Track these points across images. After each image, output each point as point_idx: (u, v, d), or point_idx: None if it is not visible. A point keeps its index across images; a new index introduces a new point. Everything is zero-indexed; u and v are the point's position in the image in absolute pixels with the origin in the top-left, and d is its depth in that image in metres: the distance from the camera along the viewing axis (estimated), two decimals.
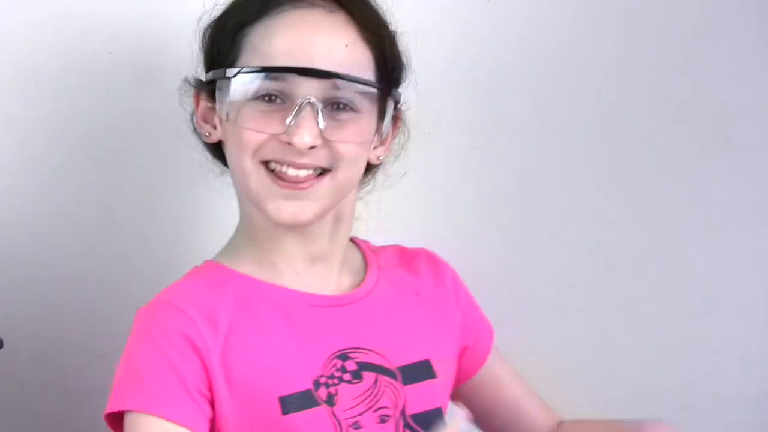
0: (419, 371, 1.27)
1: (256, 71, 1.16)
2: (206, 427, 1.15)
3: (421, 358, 1.28)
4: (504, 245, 1.73)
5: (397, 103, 1.26)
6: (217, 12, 1.26)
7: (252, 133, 1.17)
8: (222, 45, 1.23)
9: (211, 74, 1.23)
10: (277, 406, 1.16)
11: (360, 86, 1.18)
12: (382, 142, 1.28)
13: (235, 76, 1.17)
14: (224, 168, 1.30)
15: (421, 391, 1.26)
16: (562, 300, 1.73)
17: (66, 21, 1.48)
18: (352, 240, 1.37)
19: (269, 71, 1.16)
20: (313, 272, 1.26)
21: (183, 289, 1.22)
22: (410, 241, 1.42)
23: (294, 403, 1.17)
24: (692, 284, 1.78)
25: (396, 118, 1.29)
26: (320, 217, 1.22)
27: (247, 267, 1.25)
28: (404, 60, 1.28)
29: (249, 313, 1.21)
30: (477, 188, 1.72)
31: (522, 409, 1.42)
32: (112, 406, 1.15)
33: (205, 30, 1.26)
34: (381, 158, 1.29)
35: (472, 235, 1.69)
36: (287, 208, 1.19)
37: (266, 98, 1.18)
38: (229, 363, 1.17)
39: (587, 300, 1.74)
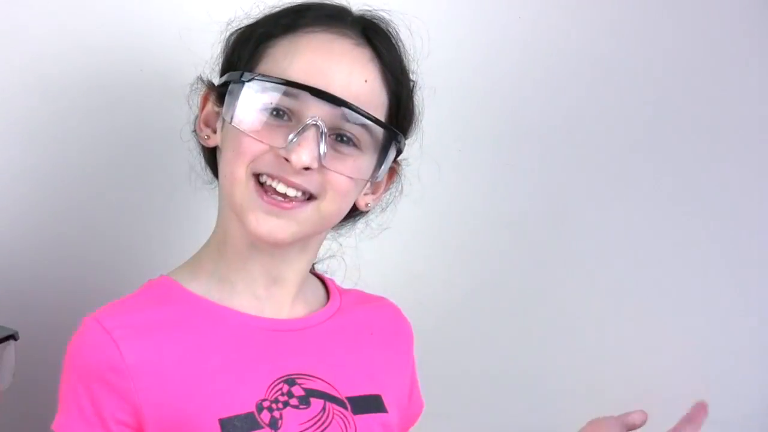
0: (369, 404, 1.23)
1: (271, 81, 1.15)
2: None
3: (372, 392, 1.25)
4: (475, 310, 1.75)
5: (399, 152, 1.25)
6: (247, 22, 1.25)
7: (251, 141, 1.15)
8: (243, 51, 1.22)
9: (226, 76, 1.21)
10: (217, 428, 1.12)
11: (367, 122, 1.17)
12: (374, 190, 1.27)
13: (249, 80, 1.16)
14: (213, 177, 1.29)
15: (373, 422, 1.22)
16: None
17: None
18: (319, 276, 1.35)
19: (284, 84, 1.15)
20: (269, 296, 1.23)
21: (124, 305, 1.19)
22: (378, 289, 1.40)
23: (235, 425, 1.13)
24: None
25: (393, 170, 1.27)
26: (296, 240, 1.19)
27: (201, 286, 1.22)
28: (416, 112, 1.27)
29: (189, 334, 1.17)
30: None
31: None
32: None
33: (230, 36, 1.25)
34: (369, 206, 1.27)
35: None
36: (267, 223, 1.16)
37: (274, 112, 1.16)
38: (161, 380, 1.13)
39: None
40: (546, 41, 1.75)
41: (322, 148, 1.14)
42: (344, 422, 1.19)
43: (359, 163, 1.19)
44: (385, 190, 1.29)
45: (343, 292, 1.34)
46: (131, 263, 1.50)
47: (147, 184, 1.53)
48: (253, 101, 1.16)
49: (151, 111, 1.49)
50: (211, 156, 1.27)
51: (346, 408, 1.20)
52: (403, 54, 1.25)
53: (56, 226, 1.49)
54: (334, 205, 1.19)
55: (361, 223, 1.34)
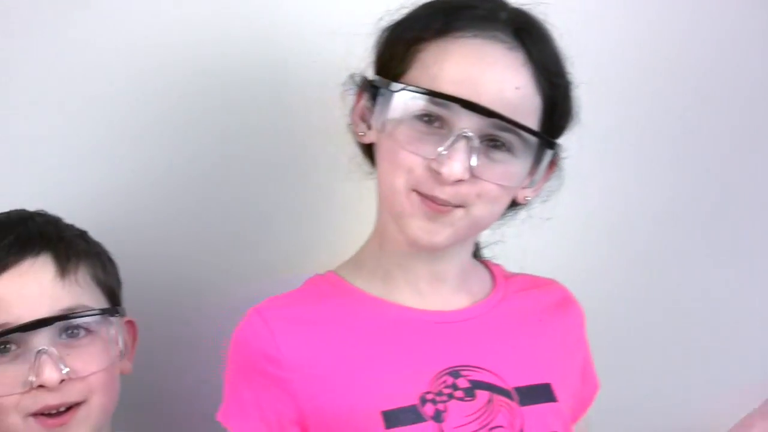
0: (538, 393, 1.21)
1: (420, 92, 1.14)
2: None
3: (541, 381, 1.22)
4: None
5: (555, 152, 1.21)
6: (399, 16, 1.23)
7: (406, 154, 1.14)
8: (394, 53, 1.20)
9: (377, 80, 1.20)
10: (379, 421, 1.12)
11: (516, 130, 1.14)
12: (534, 186, 1.23)
13: (398, 91, 1.16)
14: (371, 169, 1.28)
15: (540, 412, 1.20)
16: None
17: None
18: (484, 263, 1.34)
19: (433, 95, 1.13)
20: (432, 291, 1.23)
21: (287, 299, 1.23)
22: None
23: (398, 417, 1.13)
24: None
25: (552, 164, 1.23)
26: (452, 243, 1.18)
27: (364, 281, 1.23)
28: (573, 110, 1.23)
29: (352, 326, 1.19)
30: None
31: None
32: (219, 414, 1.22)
33: (383, 32, 1.24)
34: (527, 199, 1.24)
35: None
36: (425, 227, 1.16)
37: (425, 118, 1.15)
38: (320, 372, 1.15)
39: None
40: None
41: (473, 160, 1.12)
42: (510, 414, 1.17)
43: (511, 169, 1.16)
44: (544, 182, 1.25)
45: (509, 277, 1.32)
46: (292, 260, 1.55)
47: (305, 179, 1.57)
48: (403, 111, 1.15)
49: (305, 107, 1.51)
50: (368, 150, 1.27)
51: (512, 399, 1.18)
52: (558, 53, 1.20)
53: (225, 221, 1.56)
54: (484, 210, 1.17)
55: (523, 213, 1.30)
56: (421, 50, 1.16)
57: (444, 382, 1.16)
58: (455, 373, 1.17)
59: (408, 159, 1.14)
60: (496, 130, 1.13)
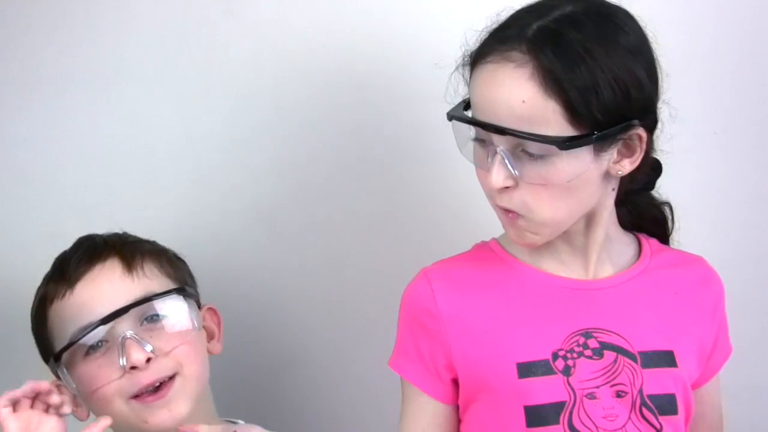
0: (660, 359, 1.36)
1: (455, 119, 1.33)
2: (451, 394, 1.39)
3: (665, 348, 1.37)
4: None
5: (624, 130, 1.30)
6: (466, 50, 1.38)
7: (478, 171, 1.35)
8: (463, 80, 1.38)
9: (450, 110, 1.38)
10: (514, 370, 1.32)
11: (532, 139, 1.27)
12: (619, 159, 1.33)
13: (451, 119, 1.35)
14: None
15: (660, 376, 1.35)
16: None
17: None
18: (637, 236, 1.48)
19: (462, 121, 1.33)
20: (573, 260, 1.40)
21: (452, 262, 1.44)
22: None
23: (530, 369, 1.32)
24: None
25: (633, 139, 1.32)
26: (546, 240, 1.35)
27: (518, 250, 1.41)
28: (621, 93, 1.28)
29: (501, 288, 1.38)
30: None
31: None
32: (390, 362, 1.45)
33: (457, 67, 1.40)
34: (620, 172, 1.34)
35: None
36: (513, 233, 1.36)
37: (476, 138, 1.34)
38: (468, 326, 1.36)
39: None
40: None
41: (511, 168, 1.28)
42: (632, 374, 1.33)
43: (552, 167, 1.28)
44: (641, 153, 1.33)
45: (657, 251, 1.46)
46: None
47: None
48: (465, 133, 1.34)
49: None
50: None
51: (636, 362, 1.35)
52: (576, 54, 1.26)
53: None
54: (546, 210, 1.31)
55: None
56: (471, 76, 1.34)
57: (576, 341, 1.34)
58: (587, 334, 1.35)
59: (481, 175, 1.34)
60: (518, 141, 1.27)
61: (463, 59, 1.36)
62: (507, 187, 1.30)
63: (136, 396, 1.41)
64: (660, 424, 1.34)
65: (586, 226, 1.37)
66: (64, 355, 1.42)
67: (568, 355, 1.33)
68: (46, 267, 1.49)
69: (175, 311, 1.44)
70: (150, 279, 1.45)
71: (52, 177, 1.73)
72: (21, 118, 1.72)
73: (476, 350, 1.36)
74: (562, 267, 1.40)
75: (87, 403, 1.44)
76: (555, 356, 1.33)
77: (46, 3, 1.70)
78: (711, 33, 1.73)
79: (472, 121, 1.31)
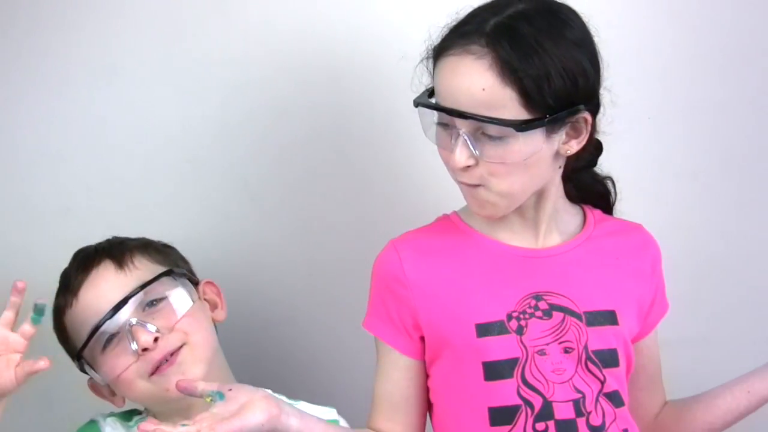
0: (603, 318, 1.52)
1: (422, 106, 1.48)
2: (419, 350, 1.53)
3: (608, 308, 1.53)
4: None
5: (572, 114, 1.45)
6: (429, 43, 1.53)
7: (442, 152, 1.49)
8: (427, 71, 1.53)
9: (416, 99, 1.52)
10: (473, 331, 1.47)
11: (492, 123, 1.41)
12: (567, 140, 1.48)
13: (417, 106, 1.50)
14: None
15: (602, 333, 1.51)
16: None
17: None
18: (582, 207, 1.63)
19: (428, 107, 1.47)
20: (524, 231, 1.55)
21: (417, 233, 1.58)
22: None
23: (487, 329, 1.47)
24: None
25: (579, 122, 1.47)
26: (503, 213, 1.50)
27: (476, 221, 1.56)
28: (577, 78, 1.43)
29: (460, 256, 1.53)
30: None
31: (650, 385, 1.66)
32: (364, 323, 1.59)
33: (423, 58, 1.54)
34: (569, 151, 1.49)
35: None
36: (473, 205, 1.50)
37: (440, 123, 1.49)
38: (432, 290, 1.51)
39: None
40: None
41: (473, 149, 1.43)
42: (578, 332, 1.49)
43: (509, 148, 1.42)
44: (587, 134, 1.48)
45: (600, 221, 1.61)
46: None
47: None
48: (430, 120, 1.49)
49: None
50: None
51: (581, 321, 1.50)
52: (530, 47, 1.41)
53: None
54: (504, 184, 1.45)
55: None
56: (435, 68, 1.48)
57: (528, 303, 1.49)
58: (538, 297, 1.50)
59: (444, 155, 1.49)
60: (479, 124, 1.42)
61: (427, 53, 1.50)
62: (468, 166, 1.44)
63: (154, 372, 1.55)
64: (603, 375, 1.49)
65: (536, 200, 1.52)
66: (85, 354, 1.57)
67: (521, 316, 1.49)
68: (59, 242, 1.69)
69: (168, 292, 1.59)
70: (141, 270, 1.59)
71: (64, 158, 1.89)
72: (34, 108, 1.87)
73: (439, 312, 1.50)
74: (515, 237, 1.55)
75: (115, 389, 1.59)
76: (509, 317, 1.48)
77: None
78: (646, 27, 1.90)
79: (438, 107, 1.45)
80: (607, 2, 1.78)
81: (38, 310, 1.44)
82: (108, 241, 1.66)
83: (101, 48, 1.85)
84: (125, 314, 1.55)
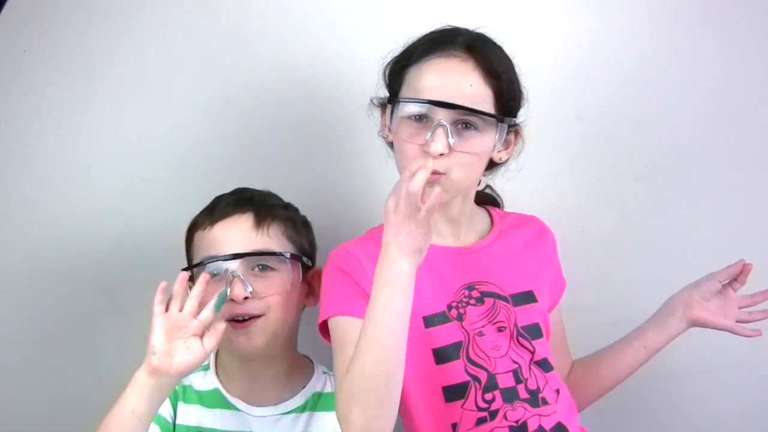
0: (526, 297, 1.76)
1: (407, 101, 1.67)
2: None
3: (527, 289, 1.77)
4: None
5: (513, 123, 1.73)
6: (393, 55, 1.76)
7: (408, 147, 1.67)
8: (392, 78, 1.75)
9: (385, 98, 1.74)
10: (421, 323, 1.67)
11: (475, 114, 1.65)
12: (505, 148, 1.75)
13: (396, 103, 1.69)
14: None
15: (527, 311, 1.74)
16: None
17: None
18: (486, 208, 1.86)
19: (416, 101, 1.66)
20: (448, 231, 1.76)
21: (358, 241, 1.74)
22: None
23: (433, 320, 1.68)
24: None
25: (516, 133, 1.76)
26: (449, 198, 1.69)
27: None
28: (521, 92, 1.74)
29: None
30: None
31: (560, 349, 1.89)
32: (320, 318, 1.68)
33: (385, 67, 1.78)
34: (502, 159, 1.76)
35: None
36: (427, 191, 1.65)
37: (416, 118, 1.67)
38: None
39: None
40: None
41: (450, 138, 1.64)
42: (508, 312, 1.72)
43: (480, 140, 1.67)
44: (515, 145, 1.77)
45: (503, 217, 1.85)
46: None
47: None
48: (402, 110, 1.68)
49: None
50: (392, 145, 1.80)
51: (508, 302, 1.73)
52: (501, 57, 1.71)
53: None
54: (460, 174, 1.67)
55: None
56: (406, 73, 1.71)
57: (463, 294, 1.71)
58: (470, 287, 1.72)
59: (408, 147, 1.67)
60: (462, 116, 1.65)
61: (392, 63, 1.74)
62: (442, 154, 1.62)
63: (230, 320, 1.74)
64: (533, 346, 1.72)
65: (461, 200, 1.74)
66: (195, 271, 1.78)
67: (459, 305, 1.70)
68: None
69: (278, 267, 1.78)
70: (271, 238, 1.79)
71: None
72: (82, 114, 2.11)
73: None
74: (442, 239, 1.75)
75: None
76: (449, 307, 1.69)
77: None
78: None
79: (432, 102, 1.64)
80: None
81: (221, 298, 1.65)
82: (265, 195, 1.86)
83: (137, 65, 2.10)
84: (238, 266, 1.75)
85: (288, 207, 1.86)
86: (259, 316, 1.76)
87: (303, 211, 1.94)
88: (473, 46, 1.69)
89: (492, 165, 1.78)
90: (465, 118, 1.65)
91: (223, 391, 1.82)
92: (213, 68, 2.08)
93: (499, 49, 1.73)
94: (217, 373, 1.85)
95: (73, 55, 2.09)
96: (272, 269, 1.78)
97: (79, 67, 2.09)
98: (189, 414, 1.82)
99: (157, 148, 2.13)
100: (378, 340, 1.50)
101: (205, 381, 1.84)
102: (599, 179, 2.21)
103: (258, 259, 1.76)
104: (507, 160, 1.78)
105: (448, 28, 1.74)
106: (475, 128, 1.67)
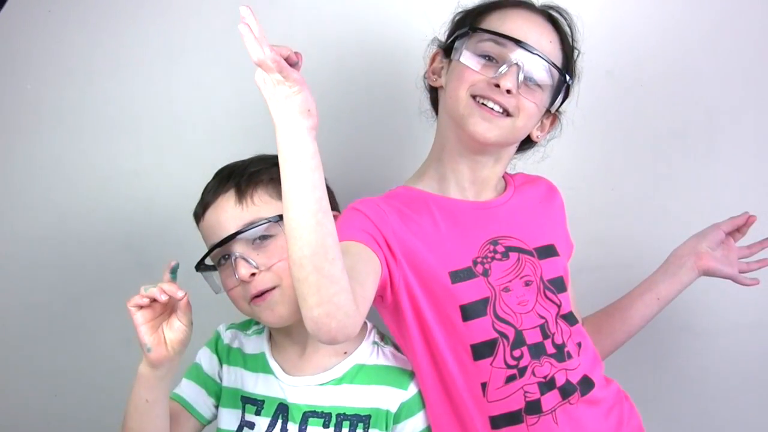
0: (549, 251, 1.77)
1: (491, 32, 1.70)
2: (380, 255, 1.63)
3: (549, 243, 1.77)
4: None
5: (565, 97, 1.77)
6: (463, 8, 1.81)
7: (472, 72, 1.70)
8: (465, 21, 1.77)
9: (455, 35, 1.75)
10: (447, 278, 1.67)
11: (549, 66, 1.69)
12: (542, 128, 1.79)
13: (475, 31, 1.72)
14: (432, 118, 1.85)
15: (551, 264, 1.75)
16: None
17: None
18: None
19: (501, 36, 1.69)
20: (471, 188, 1.77)
21: (381, 197, 1.74)
22: None
23: (459, 275, 1.67)
24: None
25: (555, 117, 1.81)
26: (497, 143, 1.71)
27: (425, 185, 1.77)
28: (576, 73, 1.79)
29: (424, 215, 1.71)
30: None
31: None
32: None
33: (455, 16, 1.81)
34: (538, 137, 1.80)
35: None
36: (481, 125, 1.68)
37: (486, 57, 1.70)
38: (409, 244, 1.67)
39: None
40: None
41: (521, 77, 1.67)
42: (533, 266, 1.72)
43: (542, 96, 1.72)
44: (550, 130, 1.81)
45: (512, 175, 1.87)
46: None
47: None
48: (474, 46, 1.71)
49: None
50: (434, 98, 1.83)
51: (533, 256, 1.73)
52: (573, 29, 1.78)
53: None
54: (522, 123, 1.71)
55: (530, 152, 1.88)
56: (486, 16, 1.75)
57: (488, 249, 1.71)
58: (494, 242, 1.72)
59: (473, 76, 1.70)
60: (534, 67, 1.69)
61: (476, 9, 1.78)
62: (509, 91, 1.66)
63: (252, 299, 1.72)
64: (559, 300, 1.72)
65: (494, 162, 1.76)
66: (207, 261, 1.77)
67: (484, 260, 1.70)
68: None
69: (277, 231, 1.70)
70: (259, 206, 1.72)
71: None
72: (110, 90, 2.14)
73: (416, 261, 1.67)
74: (463, 193, 1.76)
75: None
76: (475, 262, 1.69)
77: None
78: None
79: (517, 41, 1.67)
80: None
81: (173, 269, 1.63)
82: (250, 163, 1.78)
83: (162, 26, 2.13)
84: (236, 245, 1.71)
85: (270, 168, 1.73)
86: (273, 288, 1.72)
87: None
88: (551, 15, 1.77)
89: (523, 145, 1.82)
90: (534, 70, 1.69)
91: (268, 356, 1.80)
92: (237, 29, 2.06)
93: (570, 24, 1.79)
94: (271, 337, 1.83)
95: (99, 16, 2.10)
96: (271, 236, 1.72)
97: (104, 29, 2.10)
98: (231, 375, 1.83)
99: (182, 109, 2.14)
100: (295, 222, 1.43)
101: (257, 344, 1.84)
102: (629, 136, 2.19)
103: (251, 233, 1.71)
104: (539, 141, 1.82)
105: None
106: (538, 85, 1.71)
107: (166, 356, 1.60)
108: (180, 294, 1.57)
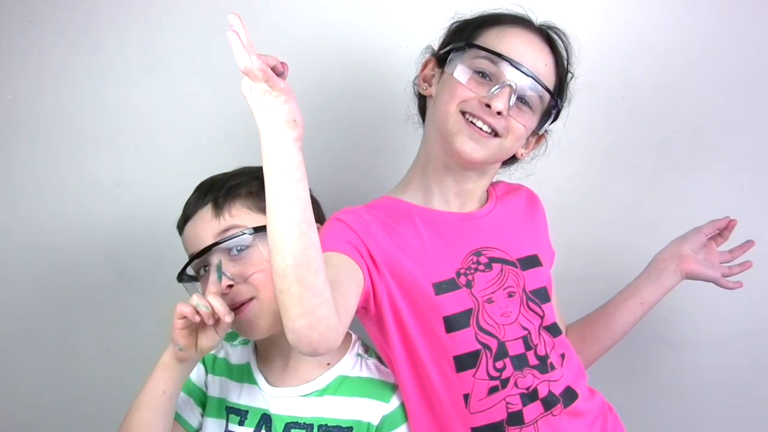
0: (532, 261, 1.76)
1: (487, 50, 1.69)
2: (363, 266, 1.62)
3: (532, 253, 1.77)
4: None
5: (555, 119, 1.77)
6: (459, 18, 1.80)
7: (464, 89, 1.69)
8: (462, 33, 1.76)
9: (450, 46, 1.75)
10: (431, 289, 1.66)
11: (542, 91, 1.69)
12: (527, 146, 1.79)
13: (471, 47, 1.71)
14: (420, 122, 1.84)
15: (534, 274, 1.74)
16: None
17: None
18: None
19: (496, 55, 1.68)
20: (457, 201, 1.76)
21: (365, 207, 1.73)
22: None
23: (443, 287, 1.67)
24: None
25: (542, 137, 1.81)
26: (483, 162, 1.72)
27: (410, 196, 1.76)
28: (568, 96, 1.80)
29: (408, 225, 1.71)
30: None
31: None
32: None
33: (450, 26, 1.80)
34: (522, 155, 1.80)
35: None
36: (468, 145, 1.68)
37: (480, 74, 1.70)
38: (392, 255, 1.66)
39: None
40: None
41: (512, 100, 1.66)
42: (516, 277, 1.72)
43: (531, 118, 1.72)
44: (534, 148, 1.81)
45: (494, 185, 1.86)
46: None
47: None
48: (470, 61, 1.70)
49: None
50: (422, 105, 1.83)
51: (516, 267, 1.72)
52: (569, 53, 1.77)
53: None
54: (510, 144, 1.71)
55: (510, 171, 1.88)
56: (484, 31, 1.73)
57: (471, 260, 1.70)
58: (478, 253, 1.71)
59: (465, 92, 1.69)
60: (527, 89, 1.68)
61: (474, 21, 1.76)
62: (500, 113, 1.65)
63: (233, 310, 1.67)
64: (543, 310, 1.72)
65: (478, 176, 1.76)
66: (188, 272, 1.76)
67: (468, 271, 1.69)
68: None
69: (253, 243, 1.70)
70: (235, 218, 1.72)
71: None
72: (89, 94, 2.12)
73: (399, 273, 1.66)
74: (447, 205, 1.76)
75: None
76: (458, 274, 1.68)
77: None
78: None
79: (513, 62, 1.67)
80: None
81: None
82: (231, 176, 1.78)
83: (143, 35, 2.11)
84: (214, 256, 1.70)
85: (259, 176, 1.68)
86: (251, 299, 1.70)
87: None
88: (549, 36, 1.76)
89: (507, 161, 1.82)
90: (527, 92, 1.69)
91: (253, 367, 1.80)
92: (220, 38, 2.03)
93: (566, 45, 1.79)
94: (256, 348, 1.83)
95: (78, 26, 2.09)
96: (247, 247, 1.71)
97: (84, 39, 2.10)
98: (215, 385, 1.82)
99: (163, 120, 2.13)
100: (278, 233, 1.42)
101: (242, 355, 1.83)
102: (612, 147, 2.19)
103: (226, 245, 1.70)
104: (522, 158, 1.82)
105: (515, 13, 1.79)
106: (529, 106, 1.71)
107: (194, 357, 1.64)
108: (228, 319, 1.59)
